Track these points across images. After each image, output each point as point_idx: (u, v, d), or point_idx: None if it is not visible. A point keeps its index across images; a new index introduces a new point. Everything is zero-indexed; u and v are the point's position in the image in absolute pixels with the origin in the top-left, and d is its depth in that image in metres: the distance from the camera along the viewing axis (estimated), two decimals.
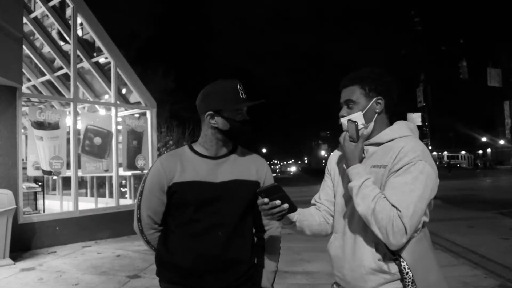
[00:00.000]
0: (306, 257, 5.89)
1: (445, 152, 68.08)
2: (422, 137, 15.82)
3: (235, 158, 1.85)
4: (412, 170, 1.51)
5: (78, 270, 5.60)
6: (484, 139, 60.92)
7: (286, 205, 1.56)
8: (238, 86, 1.75)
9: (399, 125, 1.70)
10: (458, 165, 62.04)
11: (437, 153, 66.14)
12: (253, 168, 1.86)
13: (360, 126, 1.66)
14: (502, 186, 19.84)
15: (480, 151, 68.22)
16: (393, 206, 1.47)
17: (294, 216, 1.69)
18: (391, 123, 1.72)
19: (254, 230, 1.93)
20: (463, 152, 68.12)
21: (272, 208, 1.56)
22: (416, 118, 16.13)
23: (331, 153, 1.94)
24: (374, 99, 1.67)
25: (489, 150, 66.39)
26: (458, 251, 6.35)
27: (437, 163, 52.66)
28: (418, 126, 16.41)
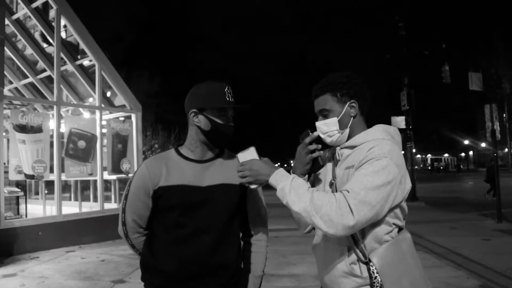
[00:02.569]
0: (292, 260, 5.91)
1: (429, 155, 69.03)
2: (406, 140, 16.00)
3: (222, 162, 1.82)
4: (375, 164, 1.48)
5: (62, 276, 5.52)
6: (466, 142, 61.95)
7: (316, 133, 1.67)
8: (226, 89, 1.73)
9: (375, 128, 1.69)
10: (441, 167, 62.95)
11: (421, 156, 67.02)
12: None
13: (335, 134, 1.68)
14: (483, 188, 20.18)
15: (463, 154, 69.34)
16: (342, 190, 1.47)
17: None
18: (367, 124, 1.72)
19: (241, 235, 1.92)
20: (446, 154, 69.18)
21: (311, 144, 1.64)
22: (400, 121, 16.25)
23: None
24: (348, 103, 1.66)
25: (471, 152, 67.53)
26: (441, 253, 6.45)
27: (421, 165, 53.40)
28: (402, 129, 16.58)
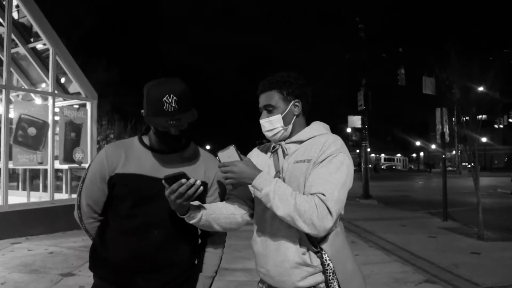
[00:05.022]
0: (246, 255, 5.94)
1: (382, 155, 71.41)
2: (361, 139, 16.45)
3: (185, 156, 1.79)
4: (334, 161, 1.61)
5: (6, 269, 5.27)
6: (418, 143, 64.58)
7: (199, 181, 1.53)
8: (165, 98, 1.60)
9: (317, 124, 1.82)
10: (393, 167, 65.44)
11: (375, 155, 69.18)
12: (201, 167, 1.81)
13: (280, 130, 1.74)
14: (432, 188, 21.15)
15: (414, 155, 72.26)
16: (317, 193, 1.55)
17: (200, 210, 1.63)
18: (308, 123, 1.83)
19: (199, 232, 1.86)
20: (398, 155, 71.83)
21: (188, 190, 1.51)
22: (356, 120, 16.61)
23: (252, 151, 1.96)
24: (292, 102, 1.76)
25: (422, 153, 70.54)
26: (390, 249, 6.69)
27: (376, 165, 55.28)
28: (358, 129, 17.06)
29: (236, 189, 1.86)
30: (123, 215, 1.70)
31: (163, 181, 1.52)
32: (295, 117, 1.77)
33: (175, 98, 1.61)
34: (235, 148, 1.64)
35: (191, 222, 1.63)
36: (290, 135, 1.78)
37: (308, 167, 1.64)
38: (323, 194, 1.53)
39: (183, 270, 1.77)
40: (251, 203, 1.83)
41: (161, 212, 1.67)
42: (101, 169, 1.72)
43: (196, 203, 1.61)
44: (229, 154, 1.64)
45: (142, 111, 1.71)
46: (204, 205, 1.67)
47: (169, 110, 1.60)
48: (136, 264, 1.67)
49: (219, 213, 1.70)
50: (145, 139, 1.80)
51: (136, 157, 1.73)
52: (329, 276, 1.62)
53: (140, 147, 1.77)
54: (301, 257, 1.63)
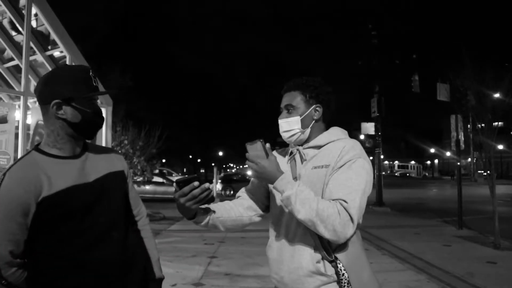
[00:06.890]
0: (258, 261, 5.93)
1: (396, 162, 70.72)
2: (374, 146, 16.34)
3: (94, 153, 1.64)
4: (354, 167, 1.59)
5: None
6: (432, 150, 63.82)
7: (207, 184, 1.52)
8: (90, 73, 1.54)
9: (335, 129, 1.79)
10: (407, 174, 64.82)
11: (389, 162, 68.55)
12: (114, 158, 1.73)
13: (296, 132, 1.72)
14: (447, 196, 20.86)
15: (428, 162, 71.40)
16: (339, 199, 1.52)
17: (208, 214, 1.67)
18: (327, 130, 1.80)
19: None
20: (412, 162, 71.05)
21: (201, 193, 1.50)
22: (369, 127, 16.54)
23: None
24: (313, 106, 1.74)
25: (436, 161, 69.66)
26: (404, 257, 6.62)
27: (388, 172, 54.75)
28: (371, 136, 16.97)
29: (251, 188, 1.87)
30: (72, 234, 1.47)
31: (174, 184, 1.50)
32: (313, 121, 1.74)
33: (94, 73, 1.57)
34: (262, 143, 1.60)
35: (199, 225, 1.66)
36: (308, 140, 1.75)
37: (326, 173, 1.61)
38: (345, 201, 1.50)
39: (143, 262, 1.73)
40: (262, 204, 1.85)
41: (111, 212, 1.58)
42: (21, 200, 1.40)
43: (204, 206, 1.61)
44: (256, 148, 1.60)
45: (57, 101, 1.47)
46: (212, 206, 1.66)
47: (96, 85, 1.55)
48: (111, 274, 1.53)
49: (227, 216, 1.73)
50: (49, 151, 1.53)
51: (56, 171, 1.48)
52: (344, 286, 1.58)
53: (51, 160, 1.50)
54: (315, 266, 1.59)
